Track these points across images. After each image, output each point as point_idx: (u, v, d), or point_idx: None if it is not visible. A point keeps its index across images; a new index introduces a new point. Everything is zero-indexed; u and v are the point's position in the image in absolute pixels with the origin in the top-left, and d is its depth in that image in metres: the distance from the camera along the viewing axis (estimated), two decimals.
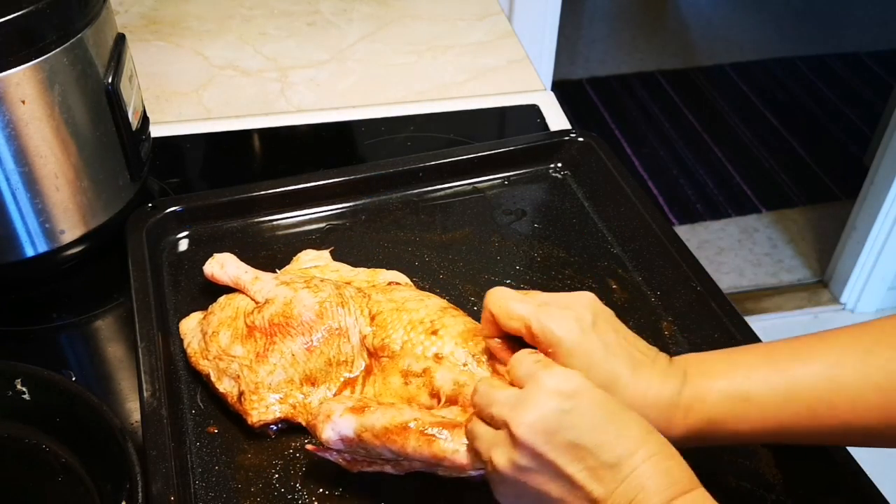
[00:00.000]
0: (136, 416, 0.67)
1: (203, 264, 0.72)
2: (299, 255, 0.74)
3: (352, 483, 0.59)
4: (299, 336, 0.63)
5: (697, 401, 0.52)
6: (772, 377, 0.51)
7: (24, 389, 0.62)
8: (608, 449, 0.45)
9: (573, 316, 0.53)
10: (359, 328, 0.64)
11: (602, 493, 0.45)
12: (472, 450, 0.51)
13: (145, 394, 0.61)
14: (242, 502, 0.58)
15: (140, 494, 0.54)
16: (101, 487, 0.59)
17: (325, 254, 0.74)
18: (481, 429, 0.49)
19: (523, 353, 0.52)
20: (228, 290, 0.70)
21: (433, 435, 0.52)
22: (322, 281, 0.67)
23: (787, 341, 0.54)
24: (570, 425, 0.45)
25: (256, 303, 0.66)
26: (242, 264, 0.70)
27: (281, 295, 0.65)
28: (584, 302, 0.55)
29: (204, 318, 0.68)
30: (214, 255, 0.71)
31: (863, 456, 0.59)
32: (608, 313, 0.55)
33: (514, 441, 0.46)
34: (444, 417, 0.54)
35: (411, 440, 0.52)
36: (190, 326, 0.68)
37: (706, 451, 0.60)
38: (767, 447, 0.61)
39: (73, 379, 0.68)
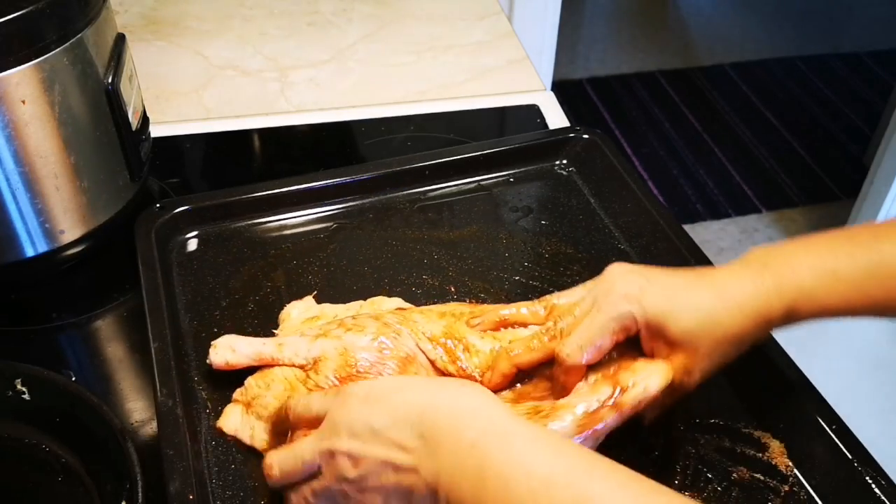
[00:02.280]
0: (136, 416, 0.67)
1: (211, 263, 0.72)
2: (285, 312, 0.70)
3: None
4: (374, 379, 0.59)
5: (786, 279, 0.53)
6: (856, 254, 0.53)
7: (24, 389, 0.62)
8: (402, 417, 0.46)
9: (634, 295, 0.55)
10: (421, 348, 0.61)
11: (411, 459, 0.45)
12: None
13: (160, 394, 0.61)
14: (259, 501, 0.58)
15: (140, 494, 0.54)
16: (101, 487, 0.59)
17: (310, 299, 0.71)
18: (313, 484, 0.51)
19: (309, 400, 0.54)
20: None
21: None
22: (354, 318, 0.64)
23: (863, 226, 0.56)
24: (369, 417, 0.47)
25: (302, 367, 0.61)
26: (253, 339, 0.64)
27: (329, 347, 0.61)
28: (617, 273, 0.56)
29: (249, 408, 0.61)
30: (215, 343, 0.64)
31: (875, 445, 0.59)
32: (636, 268, 0.57)
33: (337, 461, 0.48)
34: None
35: None
36: (235, 423, 0.62)
37: (718, 444, 0.61)
38: (778, 438, 0.62)
39: (73, 379, 0.68)
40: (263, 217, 0.81)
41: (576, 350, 0.55)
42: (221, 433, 0.61)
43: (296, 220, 0.82)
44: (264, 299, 0.73)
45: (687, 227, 2.29)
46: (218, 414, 0.64)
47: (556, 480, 0.41)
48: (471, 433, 0.44)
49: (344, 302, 0.71)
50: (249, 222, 0.81)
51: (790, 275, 0.53)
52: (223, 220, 0.80)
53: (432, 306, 0.67)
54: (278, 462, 0.52)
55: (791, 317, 0.54)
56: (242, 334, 0.69)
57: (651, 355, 0.56)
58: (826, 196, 2.43)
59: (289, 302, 0.72)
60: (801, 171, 2.52)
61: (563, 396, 0.56)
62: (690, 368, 0.54)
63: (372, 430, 0.47)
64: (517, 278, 0.76)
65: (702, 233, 2.31)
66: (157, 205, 0.78)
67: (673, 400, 0.56)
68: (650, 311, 0.54)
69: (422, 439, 0.45)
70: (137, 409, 0.67)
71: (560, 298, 0.61)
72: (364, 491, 0.47)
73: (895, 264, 0.52)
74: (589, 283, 0.60)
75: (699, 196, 2.42)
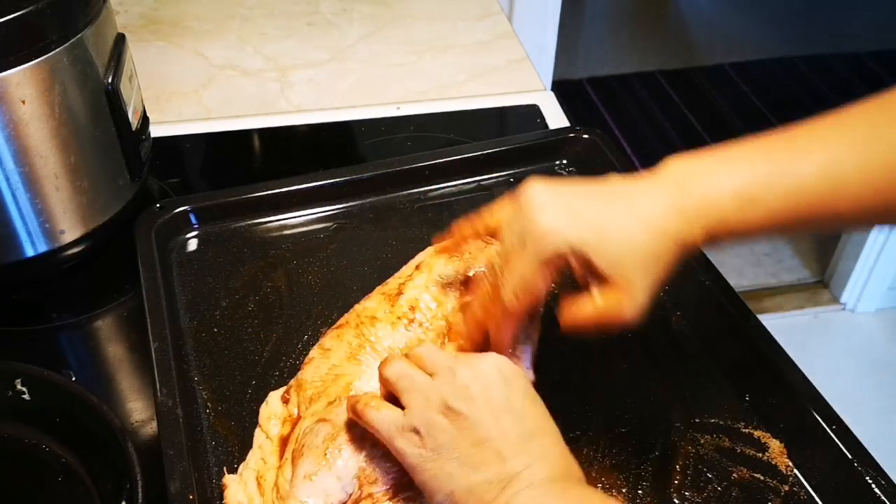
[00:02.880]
0: (136, 415, 0.67)
1: (211, 263, 0.72)
2: (263, 412, 0.63)
3: None
4: None
5: (703, 205, 0.52)
6: (774, 179, 0.52)
7: (24, 389, 0.62)
8: (527, 421, 0.50)
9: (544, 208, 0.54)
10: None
11: (512, 454, 0.48)
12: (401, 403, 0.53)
13: (160, 394, 0.61)
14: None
15: (140, 494, 0.54)
16: (101, 487, 0.59)
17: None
18: (414, 374, 0.52)
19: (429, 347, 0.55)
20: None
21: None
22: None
23: (783, 135, 0.54)
24: (507, 393, 0.50)
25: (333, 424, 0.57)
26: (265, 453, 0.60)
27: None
28: (538, 200, 0.55)
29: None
30: (225, 485, 0.58)
31: (875, 445, 0.59)
32: (556, 187, 0.56)
33: (456, 383, 0.50)
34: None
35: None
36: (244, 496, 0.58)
37: (718, 444, 0.61)
38: (778, 438, 0.62)
39: (73, 379, 0.68)
40: (263, 217, 0.81)
41: (511, 296, 0.55)
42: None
43: (296, 220, 0.82)
44: (264, 299, 0.73)
45: None
46: (218, 414, 0.64)
47: None
48: (558, 473, 0.49)
49: (345, 301, 0.72)
50: (249, 222, 0.81)
51: (709, 199, 0.52)
52: (223, 221, 0.80)
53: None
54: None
55: (709, 242, 0.54)
56: (243, 334, 0.70)
57: (585, 285, 0.55)
58: None
59: (289, 302, 0.72)
60: None
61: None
62: (623, 297, 0.53)
63: (507, 403, 0.50)
64: None
65: None
66: (157, 205, 0.78)
67: (619, 327, 0.55)
68: (575, 244, 0.53)
69: (529, 452, 0.49)
70: (137, 409, 0.67)
71: (487, 219, 0.62)
72: (449, 417, 0.49)
73: (810, 191, 0.51)
74: (509, 205, 0.58)
75: None
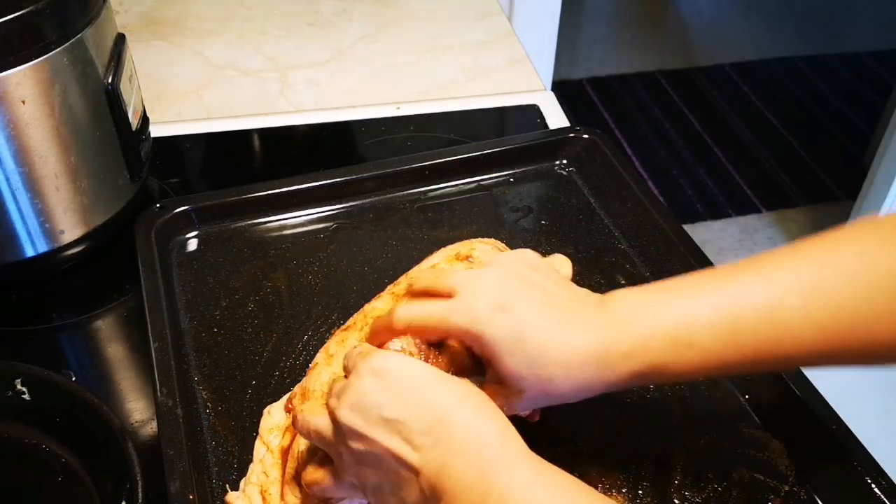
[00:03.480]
0: (136, 416, 0.67)
1: (211, 263, 0.71)
2: (264, 424, 0.63)
3: None
4: None
5: (638, 348, 0.50)
6: (714, 321, 0.50)
7: (24, 389, 0.62)
8: (418, 418, 0.46)
9: (482, 311, 0.52)
10: None
11: (417, 459, 0.46)
12: (325, 455, 0.53)
13: (160, 394, 0.61)
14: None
15: (140, 494, 0.54)
16: (101, 487, 0.59)
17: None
18: (321, 425, 0.51)
19: (350, 349, 0.53)
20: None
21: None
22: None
23: (723, 270, 0.52)
24: (381, 403, 0.47)
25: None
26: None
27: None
28: (490, 285, 0.53)
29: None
30: (229, 503, 0.58)
31: (875, 445, 0.59)
32: (523, 278, 0.54)
33: (342, 430, 0.48)
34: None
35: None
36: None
37: (718, 444, 0.61)
38: (778, 438, 0.62)
39: (73, 379, 0.68)
40: (263, 217, 0.81)
41: (403, 321, 0.55)
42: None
43: (296, 220, 0.82)
44: (264, 299, 0.73)
45: (687, 227, 2.28)
46: (218, 414, 0.64)
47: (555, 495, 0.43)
48: (481, 461, 0.45)
49: (345, 301, 0.72)
50: (249, 222, 0.81)
51: (643, 343, 0.50)
52: (223, 221, 0.80)
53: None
54: (306, 407, 0.53)
55: (632, 385, 0.52)
56: (243, 334, 0.70)
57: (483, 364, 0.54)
58: (826, 196, 2.43)
59: (289, 302, 0.72)
60: (801, 171, 2.52)
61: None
62: (511, 406, 0.53)
63: (382, 417, 0.47)
64: None
65: (702, 233, 2.31)
66: (157, 205, 0.78)
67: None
68: (489, 345, 0.51)
69: (435, 446, 0.45)
70: (137, 409, 0.67)
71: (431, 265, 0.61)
72: (361, 464, 0.48)
73: (751, 333, 0.49)
74: (478, 273, 0.56)
75: (699, 196, 2.42)
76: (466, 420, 0.46)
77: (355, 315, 0.66)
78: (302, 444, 0.57)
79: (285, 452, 0.58)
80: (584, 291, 0.55)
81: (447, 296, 0.54)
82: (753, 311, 0.49)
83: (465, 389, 0.48)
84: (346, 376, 0.52)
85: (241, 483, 0.58)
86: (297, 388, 0.61)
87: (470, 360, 0.56)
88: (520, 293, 0.53)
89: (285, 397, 0.62)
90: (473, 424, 0.46)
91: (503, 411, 0.49)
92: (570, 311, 0.53)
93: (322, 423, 0.51)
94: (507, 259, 0.56)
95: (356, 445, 0.48)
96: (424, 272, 0.59)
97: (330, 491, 0.53)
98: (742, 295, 0.50)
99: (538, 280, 0.54)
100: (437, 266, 0.66)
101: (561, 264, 0.61)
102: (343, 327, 0.65)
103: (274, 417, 0.61)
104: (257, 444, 0.60)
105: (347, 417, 0.48)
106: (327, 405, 0.51)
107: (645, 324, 0.51)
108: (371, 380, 0.48)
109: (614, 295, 0.53)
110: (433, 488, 0.45)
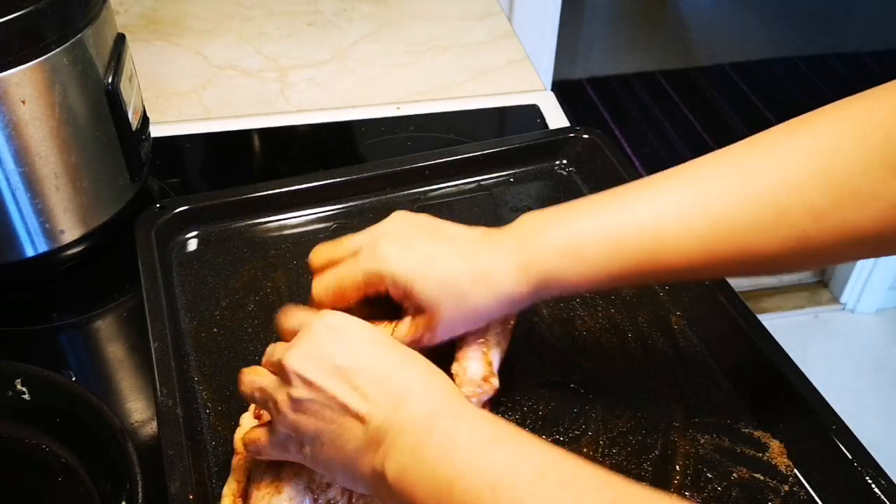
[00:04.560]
0: (136, 416, 0.67)
1: (211, 263, 0.71)
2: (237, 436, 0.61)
3: None
4: None
5: (534, 260, 0.55)
6: (599, 232, 0.54)
7: (24, 389, 0.62)
8: (370, 368, 0.48)
9: (387, 251, 0.56)
10: None
11: (367, 408, 0.47)
12: (259, 414, 0.55)
13: (160, 394, 0.61)
14: None
15: (140, 494, 0.54)
16: (101, 487, 0.59)
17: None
18: (264, 381, 0.52)
19: (291, 308, 0.55)
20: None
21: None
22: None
23: (615, 191, 0.56)
24: (335, 352, 0.49)
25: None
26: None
27: None
28: (389, 230, 0.57)
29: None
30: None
31: (875, 445, 0.59)
32: (414, 223, 0.58)
33: (288, 376, 0.49)
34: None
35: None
36: None
37: (718, 444, 0.61)
38: (778, 438, 0.62)
39: (73, 379, 0.68)
40: (263, 217, 0.81)
41: (321, 291, 0.58)
42: None
43: (296, 220, 0.82)
44: (264, 299, 0.73)
45: None
46: (218, 414, 0.64)
47: (498, 439, 0.44)
48: (430, 405, 0.46)
49: None
50: (249, 222, 0.81)
51: (539, 254, 0.54)
52: (223, 221, 0.80)
53: None
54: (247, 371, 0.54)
55: (538, 296, 0.56)
56: (243, 335, 0.70)
57: (402, 307, 0.57)
58: None
59: (289, 302, 0.72)
60: None
61: None
62: (432, 328, 0.56)
63: (335, 365, 0.48)
64: None
65: None
66: (157, 205, 0.78)
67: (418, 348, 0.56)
68: (399, 276, 0.55)
69: (385, 396, 0.47)
70: (137, 409, 0.67)
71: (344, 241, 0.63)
72: (299, 412, 0.49)
73: (633, 244, 0.53)
74: (373, 227, 0.60)
75: None
76: (418, 375, 0.48)
77: None
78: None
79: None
80: (482, 228, 0.59)
81: (351, 257, 0.57)
82: (635, 225, 0.53)
83: (415, 353, 0.51)
84: (273, 372, 0.52)
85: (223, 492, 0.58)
86: None
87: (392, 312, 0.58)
88: (419, 229, 0.57)
89: (252, 406, 0.62)
90: (425, 379, 0.48)
91: (428, 341, 0.55)
92: (471, 239, 0.57)
93: (266, 380, 0.51)
94: (404, 212, 0.60)
95: (299, 392, 0.48)
96: (320, 247, 0.61)
97: (265, 450, 0.53)
98: (626, 210, 0.54)
99: (436, 223, 0.59)
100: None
101: None
102: None
103: (245, 427, 0.61)
104: (235, 456, 0.59)
105: (297, 363, 0.49)
106: (270, 361, 0.52)
107: (541, 239, 0.55)
108: (326, 334, 0.50)
109: (521, 219, 0.57)
110: (378, 435, 0.46)
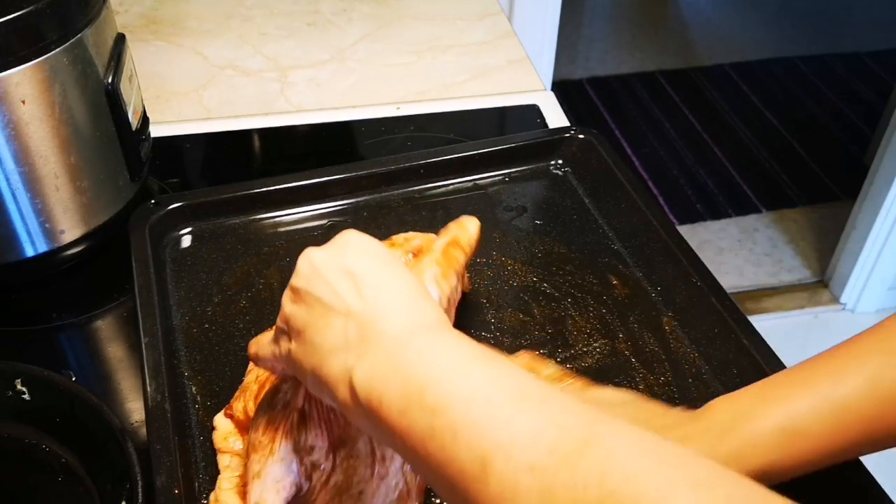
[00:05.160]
0: (136, 415, 0.67)
1: (205, 260, 0.71)
2: (216, 437, 0.63)
3: None
4: None
5: (749, 447, 0.52)
6: (817, 407, 0.51)
7: (24, 389, 0.62)
8: (374, 279, 0.47)
9: None
10: None
11: (358, 307, 0.45)
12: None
13: (149, 389, 0.61)
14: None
15: (140, 494, 0.54)
16: (101, 487, 0.59)
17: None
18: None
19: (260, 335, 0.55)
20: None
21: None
22: None
23: (820, 360, 0.54)
24: (354, 263, 0.48)
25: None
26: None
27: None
28: None
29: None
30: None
31: (874, 461, 0.59)
32: None
33: (301, 266, 0.49)
34: None
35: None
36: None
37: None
38: None
39: (73, 379, 0.68)
40: (257, 214, 0.81)
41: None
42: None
43: (290, 217, 0.82)
44: (257, 296, 0.73)
45: (687, 227, 2.31)
46: (207, 409, 0.64)
47: (483, 358, 0.42)
48: (413, 319, 0.45)
49: None
50: (243, 219, 0.81)
51: (751, 442, 0.52)
52: (217, 217, 0.80)
53: None
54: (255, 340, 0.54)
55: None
56: (234, 331, 0.70)
57: None
58: (826, 196, 2.43)
59: (281, 299, 0.72)
60: (801, 171, 2.52)
61: None
62: None
63: (346, 266, 0.47)
64: (511, 279, 0.75)
65: (702, 233, 2.31)
66: (152, 201, 0.78)
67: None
68: None
69: (375, 301, 0.45)
70: (137, 409, 0.67)
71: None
72: (296, 303, 0.48)
73: (856, 414, 0.51)
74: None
75: (699, 196, 2.42)
76: (416, 295, 0.47)
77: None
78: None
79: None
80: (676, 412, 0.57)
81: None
82: (854, 392, 0.51)
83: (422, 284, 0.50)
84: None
85: (211, 497, 0.57)
86: (237, 393, 0.62)
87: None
88: None
89: (224, 408, 0.62)
90: (420, 301, 0.47)
91: None
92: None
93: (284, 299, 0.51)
94: None
95: (301, 282, 0.48)
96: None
97: (263, 349, 0.53)
98: (839, 379, 0.52)
99: None
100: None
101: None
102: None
103: (222, 428, 0.61)
104: (219, 457, 0.60)
105: (316, 255, 0.49)
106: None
107: (749, 426, 0.52)
108: (354, 249, 0.49)
109: (710, 406, 0.55)
110: (358, 334, 0.45)
